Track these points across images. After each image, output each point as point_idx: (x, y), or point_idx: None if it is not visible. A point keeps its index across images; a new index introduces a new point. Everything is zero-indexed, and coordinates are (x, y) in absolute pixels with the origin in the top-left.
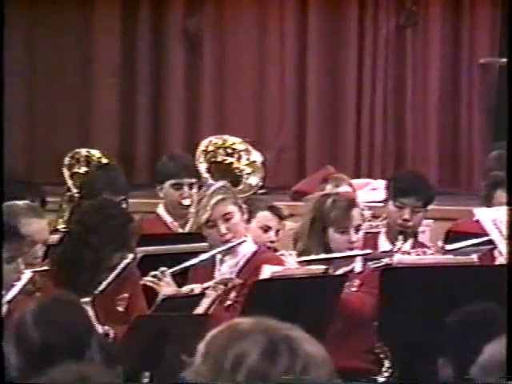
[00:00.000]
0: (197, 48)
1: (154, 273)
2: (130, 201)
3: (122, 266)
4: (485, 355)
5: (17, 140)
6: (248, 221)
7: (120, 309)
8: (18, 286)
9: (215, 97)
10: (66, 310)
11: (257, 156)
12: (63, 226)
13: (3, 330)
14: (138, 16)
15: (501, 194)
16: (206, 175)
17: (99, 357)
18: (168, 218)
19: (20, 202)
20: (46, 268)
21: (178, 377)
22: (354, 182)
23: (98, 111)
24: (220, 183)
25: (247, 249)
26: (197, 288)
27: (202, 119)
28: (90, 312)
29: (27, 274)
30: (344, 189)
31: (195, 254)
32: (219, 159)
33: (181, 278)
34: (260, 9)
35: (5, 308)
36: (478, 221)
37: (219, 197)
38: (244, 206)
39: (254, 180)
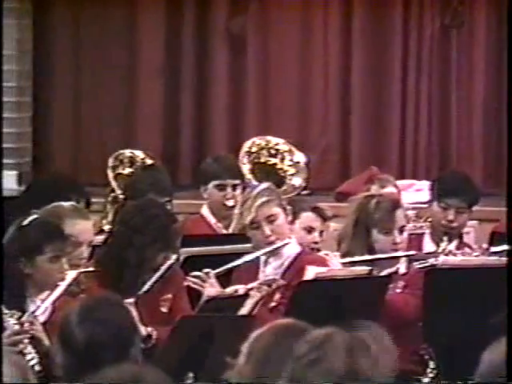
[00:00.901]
0: (241, 48)
1: (198, 273)
2: (174, 201)
3: (165, 266)
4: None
5: (62, 141)
6: (291, 222)
7: (163, 309)
8: (62, 286)
9: (259, 97)
10: (110, 310)
11: (300, 157)
12: (108, 226)
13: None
14: (182, 16)
15: None
16: (249, 176)
17: (141, 356)
18: (212, 219)
19: (65, 203)
20: (90, 269)
21: (222, 377)
22: (399, 182)
23: (142, 112)
24: (264, 185)
25: (291, 250)
26: (241, 289)
27: (245, 120)
28: (134, 313)
29: (71, 274)
30: (389, 190)
31: (239, 255)
32: (263, 160)
33: (224, 279)
34: (304, 8)
35: (50, 308)
36: None
37: (264, 199)
38: (288, 207)
39: (298, 181)
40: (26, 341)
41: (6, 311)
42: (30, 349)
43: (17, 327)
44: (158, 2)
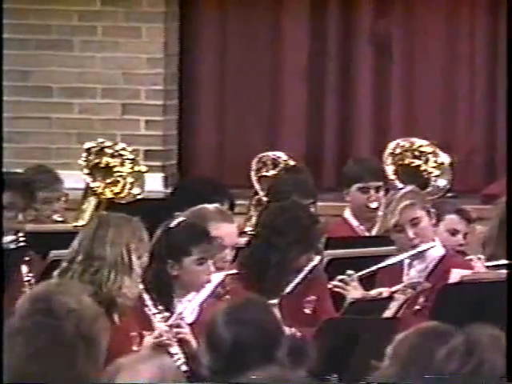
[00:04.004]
0: (385, 50)
1: (341, 277)
2: (318, 204)
3: (308, 267)
4: None
5: (207, 143)
6: (436, 224)
7: (307, 311)
8: (209, 288)
9: (403, 99)
10: (256, 312)
11: (445, 158)
12: (250, 228)
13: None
14: (326, 19)
15: None
16: (392, 178)
17: (288, 358)
18: (354, 222)
19: (210, 206)
20: (235, 271)
21: (366, 379)
22: None
23: (285, 114)
24: (408, 188)
25: (436, 253)
26: (385, 292)
27: (389, 122)
28: (277, 313)
29: (218, 277)
30: None
31: (383, 257)
32: (407, 162)
33: (368, 282)
34: (450, 9)
35: (197, 309)
36: None
37: (407, 201)
38: (432, 209)
39: (442, 182)
40: (174, 340)
41: (154, 310)
42: (176, 349)
43: (165, 328)
44: (302, 5)
